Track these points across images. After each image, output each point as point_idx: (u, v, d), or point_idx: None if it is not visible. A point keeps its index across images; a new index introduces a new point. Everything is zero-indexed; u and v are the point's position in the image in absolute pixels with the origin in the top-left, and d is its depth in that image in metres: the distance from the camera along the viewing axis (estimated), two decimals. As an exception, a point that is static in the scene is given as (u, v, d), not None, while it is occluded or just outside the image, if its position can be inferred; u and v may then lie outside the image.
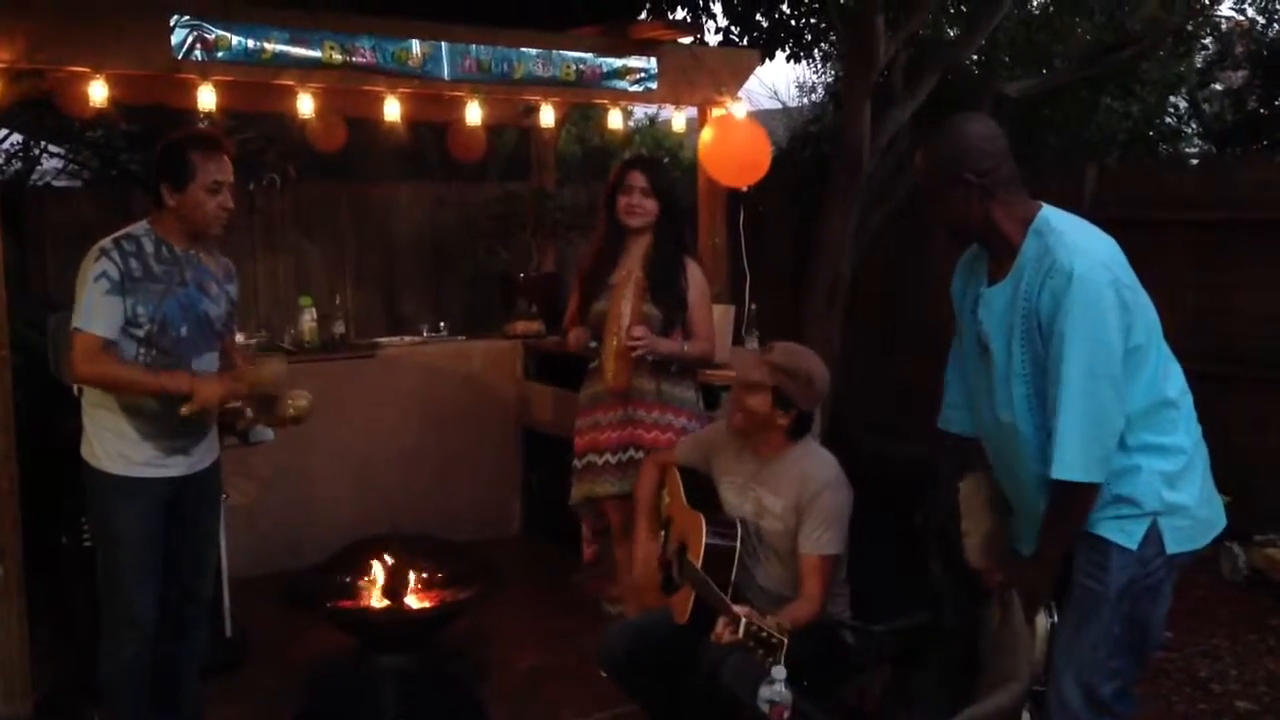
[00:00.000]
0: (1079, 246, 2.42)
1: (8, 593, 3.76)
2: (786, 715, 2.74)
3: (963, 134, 2.54)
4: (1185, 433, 2.55)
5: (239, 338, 4.63)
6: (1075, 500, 2.45)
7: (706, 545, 3.20)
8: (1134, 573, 2.47)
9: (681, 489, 3.47)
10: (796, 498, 3.20)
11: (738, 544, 3.21)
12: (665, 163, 8.31)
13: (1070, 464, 2.38)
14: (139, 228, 3.18)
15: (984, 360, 2.61)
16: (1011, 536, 2.72)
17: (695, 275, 4.06)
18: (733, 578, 3.16)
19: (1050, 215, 2.52)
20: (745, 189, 5.21)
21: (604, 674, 3.51)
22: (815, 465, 3.26)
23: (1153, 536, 2.47)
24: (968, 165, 2.49)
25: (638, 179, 4.01)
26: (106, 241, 3.13)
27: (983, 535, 2.74)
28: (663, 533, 3.54)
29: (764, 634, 2.77)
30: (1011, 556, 2.70)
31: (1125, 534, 2.47)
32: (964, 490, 2.79)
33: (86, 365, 3.08)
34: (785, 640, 2.74)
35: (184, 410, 3.09)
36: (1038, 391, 2.48)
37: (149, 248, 3.15)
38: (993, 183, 2.50)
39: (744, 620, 2.79)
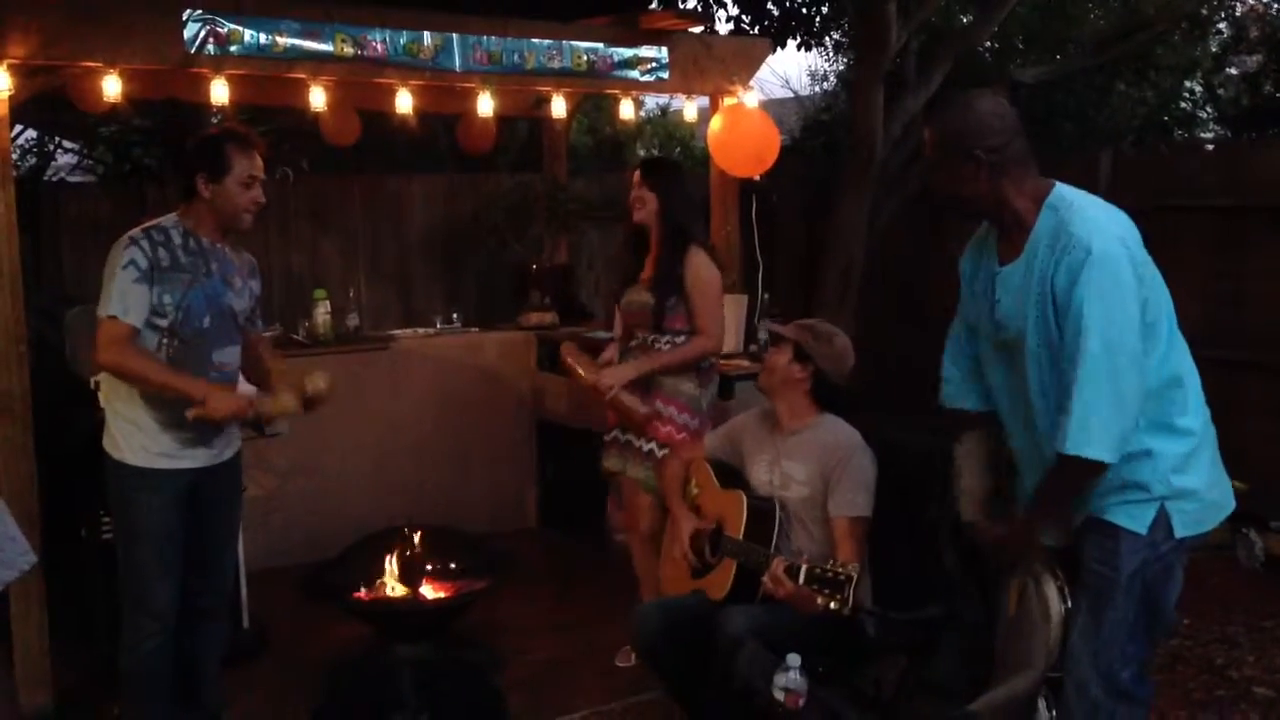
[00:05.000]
0: (1097, 221, 2.40)
1: (27, 586, 3.77)
2: (802, 703, 2.74)
3: (973, 109, 2.51)
4: (1194, 414, 2.53)
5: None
6: (1079, 476, 2.42)
7: (748, 515, 3.28)
8: (1144, 556, 2.46)
9: (713, 476, 3.53)
10: (822, 464, 3.25)
11: (776, 515, 3.27)
12: (672, 160, 8.31)
13: (1086, 440, 2.34)
14: (168, 219, 3.22)
15: (1000, 337, 2.59)
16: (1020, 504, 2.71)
17: (697, 265, 4.03)
18: (773, 546, 3.21)
19: (1065, 191, 2.50)
20: (756, 178, 5.20)
21: (638, 656, 3.52)
22: (839, 433, 3.33)
23: (1161, 521, 2.46)
24: (979, 141, 2.47)
25: (635, 176, 4.16)
26: (136, 231, 3.16)
27: (980, 491, 2.74)
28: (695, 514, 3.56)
29: (829, 573, 2.76)
30: (1005, 517, 2.69)
31: (1134, 519, 2.46)
32: (963, 448, 2.79)
33: (109, 353, 3.08)
34: (854, 575, 2.73)
35: (189, 414, 3.09)
36: (1053, 370, 2.45)
37: (177, 239, 3.18)
38: (1004, 159, 2.48)
39: (804, 566, 2.80)
